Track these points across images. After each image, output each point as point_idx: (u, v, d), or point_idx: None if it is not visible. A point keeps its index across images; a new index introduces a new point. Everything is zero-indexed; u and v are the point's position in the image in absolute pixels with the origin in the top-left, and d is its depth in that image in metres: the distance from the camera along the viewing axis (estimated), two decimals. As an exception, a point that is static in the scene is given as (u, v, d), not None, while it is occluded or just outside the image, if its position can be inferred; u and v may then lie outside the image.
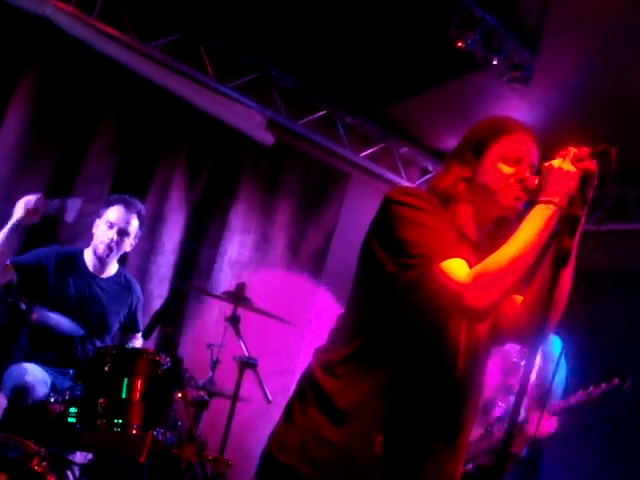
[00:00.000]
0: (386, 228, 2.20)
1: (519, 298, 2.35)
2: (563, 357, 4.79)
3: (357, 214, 6.74)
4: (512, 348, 4.89)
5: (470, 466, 4.72)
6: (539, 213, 2.11)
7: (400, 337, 2.18)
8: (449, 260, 2.07)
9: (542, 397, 4.71)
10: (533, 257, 2.08)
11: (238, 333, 4.71)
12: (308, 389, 2.23)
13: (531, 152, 2.30)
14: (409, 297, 2.13)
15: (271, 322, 5.62)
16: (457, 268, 2.07)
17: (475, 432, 4.75)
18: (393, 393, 2.16)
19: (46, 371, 4.24)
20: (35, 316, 3.91)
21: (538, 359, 4.76)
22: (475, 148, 2.32)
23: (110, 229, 4.61)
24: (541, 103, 5.71)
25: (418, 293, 2.10)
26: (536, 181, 2.19)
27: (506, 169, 2.27)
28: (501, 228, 2.29)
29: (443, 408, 2.20)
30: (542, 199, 2.12)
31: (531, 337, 2.13)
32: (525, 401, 2.07)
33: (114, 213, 4.63)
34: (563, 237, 2.08)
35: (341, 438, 2.12)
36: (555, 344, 4.85)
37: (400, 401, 2.16)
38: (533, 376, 4.72)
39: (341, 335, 2.28)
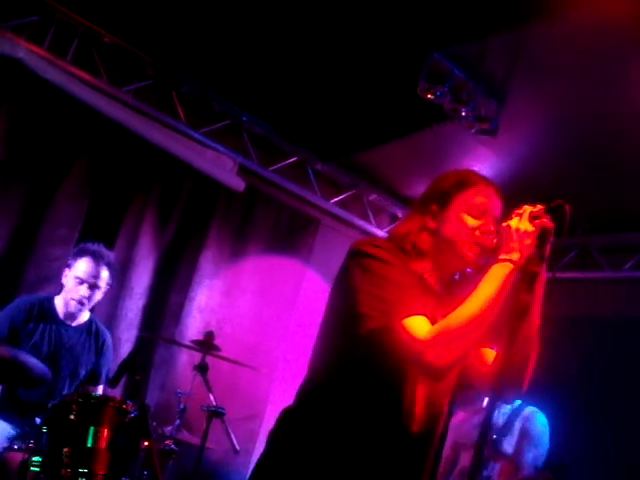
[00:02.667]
0: (351, 278, 2.23)
1: (491, 353, 2.40)
2: (544, 431, 4.83)
3: (326, 260, 6.77)
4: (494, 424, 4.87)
5: None
6: (497, 271, 2.16)
7: (362, 388, 2.21)
8: (411, 317, 2.11)
9: (513, 472, 4.72)
10: (492, 315, 2.11)
11: (206, 382, 4.69)
12: (278, 449, 2.28)
13: (495, 205, 2.36)
14: (367, 349, 2.16)
15: (240, 368, 5.61)
16: (418, 325, 2.10)
17: None
18: (355, 444, 2.18)
19: (10, 420, 4.19)
20: (5, 351, 3.87)
21: (516, 434, 4.77)
22: (440, 199, 2.37)
23: (80, 285, 4.57)
24: (508, 154, 5.79)
25: (376, 346, 2.13)
26: (495, 240, 2.25)
27: (471, 221, 2.32)
28: (463, 280, 2.34)
29: (403, 462, 2.23)
30: (500, 257, 2.17)
31: (504, 392, 2.16)
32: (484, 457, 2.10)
33: (83, 267, 4.59)
34: (521, 292, 2.14)
35: None
36: (537, 419, 4.86)
37: (361, 452, 2.19)
38: (510, 449, 4.75)
39: (306, 392, 2.32)
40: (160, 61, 5.80)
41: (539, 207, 2.19)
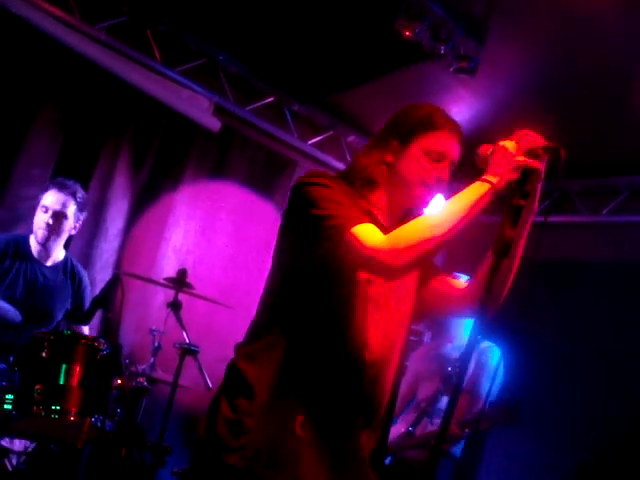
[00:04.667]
0: (298, 209, 2.25)
1: (458, 282, 2.48)
2: (499, 366, 4.84)
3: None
4: (450, 355, 4.89)
5: (389, 459, 4.72)
6: (474, 189, 2.16)
7: (311, 317, 2.23)
8: (359, 225, 2.13)
9: (469, 405, 4.74)
10: (457, 228, 2.13)
11: (179, 319, 4.68)
12: (231, 381, 2.27)
13: (454, 150, 2.37)
14: (324, 271, 2.20)
15: (215, 309, 5.60)
16: (368, 231, 2.13)
17: (396, 429, 4.76)
18: (309, 374, 2.20)
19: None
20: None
21: (471, 367, 4.77)
22: (402, 136, 2.37)
23: (45, 213, 4.54)
24: (487, 94, 5.77)
25: (334, 263, 2.17)
26: (488, 151, 2.22)
27: (427, 164, 2.33)
28: (408, 218, 2.31)
29: (357, 386, 2.24)
30: (482, 177, 2.17)
31: (473, 313, 2.24)
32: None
33: (49, 197, 4.58)
34: (505, 227, 2.11)
35: (263, 423, 2.15)
36: (492, 353, 4.86)
37: (315, 381, 2.20)
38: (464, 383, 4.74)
39: (257, 325, 2.32)
40: (134, -3, 5.68)
41: (540, 141, 2.15)
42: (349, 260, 2.15)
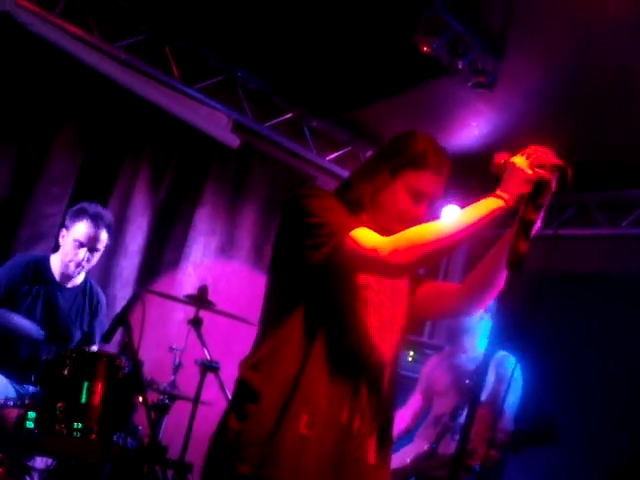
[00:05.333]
0: (294, 220, 2.31)
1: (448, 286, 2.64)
2: (517, 377, 4.78)
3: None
4: (466, 366, 4.84)
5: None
6: (485, 203, 2.19)
7: (314, 324, 2.27)
8: (357, 229, 2.20)
9: (493, 418, 4.68)
10: (460, 237, 2.17)
11: (200, 336, 4.68)
12: (238, 392, 2.33)
13: (437, 191, 2.45)
14: (323, 278, 2.26)
15: (235, 325, 5.59)
16: (367, 233, 2.20)
17: (420, 446, 4.70)
18: (311, 376, 2.24)
19: (5, 375, 4.18)
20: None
21: (491, 379, 4.73)
22: (391, 167, 2.42)
23: (80, 248, 4.49)
24: (505, 108, 5.75)
25: (333, 269, 2.22)
26: (503, 160, 2.23)
27: (406, 202, 2.41)
28: None
29: (359, 387, 2.30)
30: (494, 193, 2.19)
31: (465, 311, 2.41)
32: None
33: (82, 231, 4.49)
34: (518, 241, 2.11)
35: (269, 426, 2.20)
36: (509, 363, 4.80)
37: (317, 382, 2.24)
38: (484, 396, 4.68)
39: (259, 336, 2.40)
40: (153, 15, 5.71)
41: (547, 153, 2.16)
42: (349, 264, 2.22)
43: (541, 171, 2.13)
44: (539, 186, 2.14)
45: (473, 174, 6.56)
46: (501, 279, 2.36)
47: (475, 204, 2.19)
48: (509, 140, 5.96)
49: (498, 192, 2.18)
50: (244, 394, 2.27)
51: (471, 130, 6.13)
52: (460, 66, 4.94)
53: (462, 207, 2.35)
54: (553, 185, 2.14)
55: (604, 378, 5.88)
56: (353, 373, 2.29)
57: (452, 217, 2.22)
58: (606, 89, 5.14)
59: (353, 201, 2.41)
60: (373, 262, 2.17)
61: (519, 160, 2.16)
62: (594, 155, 5.67)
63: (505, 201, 2.16)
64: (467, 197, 6.90)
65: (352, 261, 2.20)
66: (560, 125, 5.57)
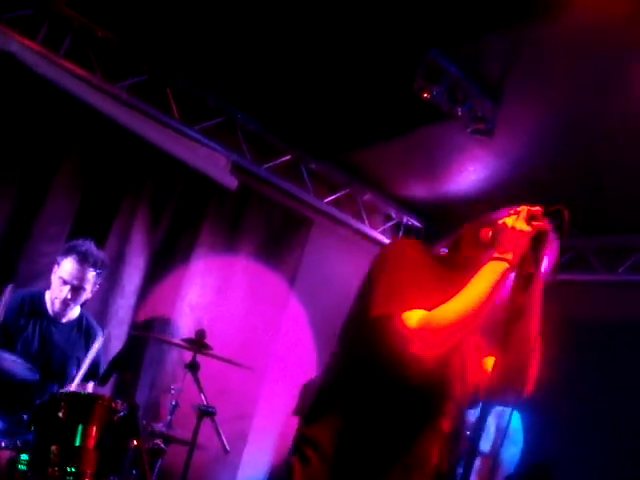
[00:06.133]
0: (370, 273, 2.30)
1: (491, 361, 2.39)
2: (518, 428, 4.76)
3: (319, 259, 6.75)
4: (467, 420, 4.80)
5: None
6: (490, 269, 2.17)
7: (367, 387, 2.25)
8: (412, 310, 2.13)
9: (491, 470, 4.66)
10: (480, 312, 2.13)
11: (197, 380, 4.64)
12: (305, 447, 2.30)
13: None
14: (372, 336, 2.20)
15: (231, 367, 5.56)
16: (413, 317, 2.13)
17: None
18: (365, 440, 2.23)
19: (-3, 417, 4.14)
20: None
21: (491, 430, 4.71)
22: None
23: (64, 285, 4.48)
24: (504, 154, 5.78)
25: (378, 335, 2.17)
26: (490, 234, 2.24)
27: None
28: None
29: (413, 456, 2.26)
30: (495, 256, 2.18)
31: (505, 398, 2.22)
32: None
33: (67, 268, 4.47)
34: (516, 294, 2.12)
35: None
36: (513, 417, 4.78)
37: (372, 447, 2.22)
38: (487, 447, 4.67)
39: (322, 390, 2.38)
40: (155, 57, 5.76)
41: (538, 208, 2.20)
42: (388, 339, 2.17)
43: (537, 223, 2.16)
44: (538, 237, 2.17)
45: (469, 218, 6.61)
46: (532, 360, 2.28)
47: (479, 274, 2.17)
48: (506, 185, 6.00)
49: (499, 255, 2.17)
50: (315, 451, 2.28)
51: (469, 175, 6.16)
52: (459, 113, 4.98)
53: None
54: (550, 235, 2.17)
55: (600, 424, 5.85)
56: (412, 436, 2.28)
57: (463, 292, 2.16)
58: (603, 137, 5.17)
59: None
60: (402, 350, 2.12)
61: (510, 220, 2.19)
62: (591, 201, 5.70)
63: (509, 262, 2.16)
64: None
65: (389, 339, 2.16)
66: (558, 171, 5.61)
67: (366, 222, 7.15)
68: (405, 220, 7.39)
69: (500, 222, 2.21)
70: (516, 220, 2.18)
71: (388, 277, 2.22)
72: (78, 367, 4.61)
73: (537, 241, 2.17)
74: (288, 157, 6.60)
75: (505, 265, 2.15)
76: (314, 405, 2.36)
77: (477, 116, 4.99)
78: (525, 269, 2.16)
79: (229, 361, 5.02)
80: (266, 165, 6.50)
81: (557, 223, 2.17)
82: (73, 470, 3.56)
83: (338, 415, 2.26)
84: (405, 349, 2.10)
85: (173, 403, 4.69)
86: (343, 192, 7.00)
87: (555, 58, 4.61)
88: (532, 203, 2.24)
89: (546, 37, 4.43)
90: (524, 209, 2.20)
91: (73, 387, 4.42)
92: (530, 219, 2.17)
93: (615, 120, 4.95)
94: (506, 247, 2.17)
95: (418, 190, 6.82)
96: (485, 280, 2.15)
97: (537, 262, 2.16)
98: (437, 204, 6.93)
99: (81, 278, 4.48)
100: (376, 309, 2.17)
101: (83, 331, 4.71)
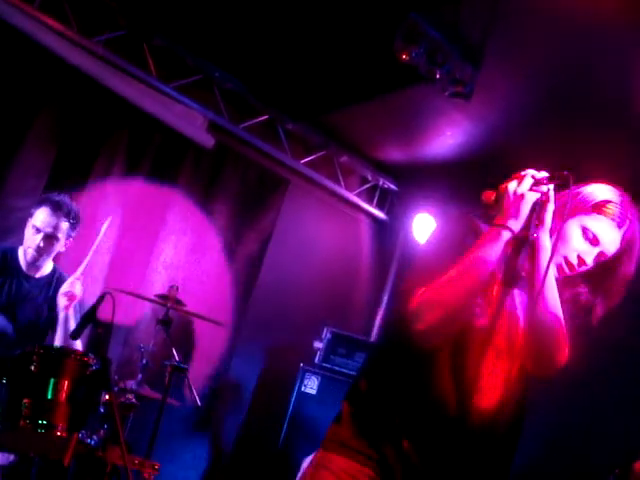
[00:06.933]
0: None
1: None
2: None
3: (295, 220, 6.75)
4: None
5: None
6: (490, 236, 2.16)
7: (397, 371, 2.27)
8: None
9: None
10: (479, 277, 2.12)
11: (169, 337, 4.66)
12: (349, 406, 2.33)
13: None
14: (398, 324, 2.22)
15: (204, 325, 5.58)
16: (419, 293, 2.14)
17: None
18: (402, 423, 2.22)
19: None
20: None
21: None
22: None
23: (37, 234, 4.46)
24: (481, 118, 5.78)
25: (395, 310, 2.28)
26: (492, 197, 2.22)
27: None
28: None
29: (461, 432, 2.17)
30: (496, 222, 2.16)
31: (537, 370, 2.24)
32: None
33: (41, 216, 4.46)
34: (514, 258, 2.12)
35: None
36: None
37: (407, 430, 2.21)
38: None
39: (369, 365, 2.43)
40: (133, 12, 5.68)
41: (543, 173, 2.17)
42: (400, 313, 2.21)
43: (540, 188, 2.14)
44: (541, 203, 2.15)
45: (446, 183, 6.63)
46: (555, 330, 2.22)
47: (484, 239, 2.16)
48: (484, 151, 6.01)
49: (502, 221, 2.15)
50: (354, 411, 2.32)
51: (446, 139, 6.17)
52: (438, 75, 4.96)
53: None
54: (552, 201, 2.14)
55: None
56: (455, 416, 2.18)
57: (466, 256, 2.15)
58: (581, 106, 5.18)
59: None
60: (405, 329, 2.14)
61: (512, 185, 2.16)
62: (569, 167, 5.71)
63: (508, 229, 2.14)
64: (439, 205, 6.98)
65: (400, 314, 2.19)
66: (536, 137, 5.62)
67: (342, 184, 7.15)
68: (381, 183, 7.39)
69: (502, 186, 2.18)
70: (518, 185, 2.15)
71: (423, 252, 2.30)
72: (52, 323, 4.61)
73: (539, 207, 2.14)
74: (265, 117, 6.56)
75: (505, 232, 2.13)
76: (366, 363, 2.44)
77: (455, 79, 4.97)
78: (524, 234, 2.14)
79: (201, 316, 5.03)
80: (243, 125, 6.46)
81: (562, 188, 2.15)
82: (44, 423, 3.59)
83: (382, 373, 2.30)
84: (408, 328, 2.11)
85: (144, 361, 4.69)
86: (320, 153, 6.98)
87: (535, 22, 4.59)
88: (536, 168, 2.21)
89: (528, 3, 4.42)
90: (528, 173, 2.17)
91: (57, 343, 4.42)
92: (533, 184, 2.14)
93: (594, 89, 4.96)
94: (508, 213, 2.14)
95: (395, 153, 6.81)
96: (485, 246, 2.14)
97: (537, 227, 2.14)
98: (414, 167, 6.93)
99: (55, 226, 4.47)
100: (402, 284, 2.22)
101: (56, 286, 4.69)
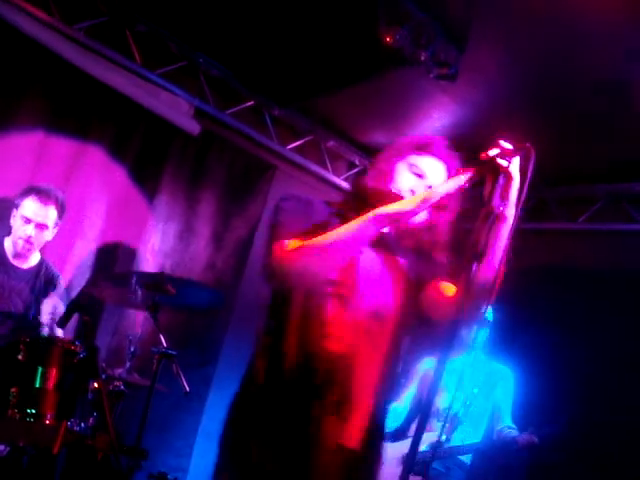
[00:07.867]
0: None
1: (450, 287, 2.50)
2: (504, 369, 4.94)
3: (283, 206, 6.72)
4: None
5: None
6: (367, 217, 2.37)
7: (287, 313, 2.53)
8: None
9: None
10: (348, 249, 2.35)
11: (157, 322, 4.62)
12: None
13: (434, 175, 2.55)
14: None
15: (194, 313, 5.55)
16: (293, 243, 2.36)
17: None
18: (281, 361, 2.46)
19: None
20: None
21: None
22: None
23: (27, 224, 4.45)
24: (467, 100, 5.77)
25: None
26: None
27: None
28: None
29: (315, 372, 2.40)
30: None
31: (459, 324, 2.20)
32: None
33: (30, 206, 4.46)
34: (478, 232, 2.13)
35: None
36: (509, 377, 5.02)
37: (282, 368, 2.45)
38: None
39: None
40: (115, -2, 5.64)
41: (506, 146, 2.20)
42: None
43: (496, 159, 2.19)
44: (506, 176, 2.19)
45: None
46: (488, 288, 2.28)
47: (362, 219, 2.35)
48: (470, 132, 6.00)
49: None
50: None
51: (432, 122, 6.15)
52: (422, 57, 4.95)
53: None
54: (511, 172, 2.18)
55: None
56: (310, 359, 2.42)
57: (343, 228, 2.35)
58: (568, 84, 5.18)
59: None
60: (273, 263, 2.40)
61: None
62: (553, 151, 5.71)
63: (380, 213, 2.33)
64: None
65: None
66: (521, 119, 5.62)
67: (330, 169, 7.13)
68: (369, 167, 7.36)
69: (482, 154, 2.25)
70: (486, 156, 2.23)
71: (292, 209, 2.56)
72: (38, 313, 4.59)
73: (497, 175, 2.17)
74: (251, 103, 6.54)
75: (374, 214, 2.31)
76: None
77: (440, 60, 4.96)
78: (489, 207, 2.16)
79: (189, 304, 5.00)
80: (229, 111, 6.43)
81: (523, 161, 2.17)
82: (33, 412, 3.58)
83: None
84: (277, 266, 2.35)
85: (132, 349, 4.67)
86: (306, 139, 6.96)
87: (521, 5, 4.58)
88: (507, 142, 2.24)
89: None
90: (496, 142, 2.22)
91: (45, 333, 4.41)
92: (497, 154, 2.19)
93: (579, 70, 4.96)
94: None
95: (382, 136, 6.78)
96: (358, 225, 2.33)
97: (502, 200, 2.18)
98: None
99: (44, 215, 4.48)
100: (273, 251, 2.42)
101: (43, 277, 4.68)
